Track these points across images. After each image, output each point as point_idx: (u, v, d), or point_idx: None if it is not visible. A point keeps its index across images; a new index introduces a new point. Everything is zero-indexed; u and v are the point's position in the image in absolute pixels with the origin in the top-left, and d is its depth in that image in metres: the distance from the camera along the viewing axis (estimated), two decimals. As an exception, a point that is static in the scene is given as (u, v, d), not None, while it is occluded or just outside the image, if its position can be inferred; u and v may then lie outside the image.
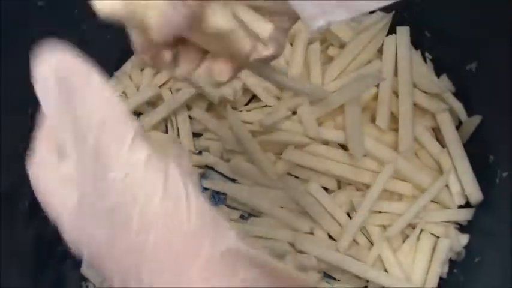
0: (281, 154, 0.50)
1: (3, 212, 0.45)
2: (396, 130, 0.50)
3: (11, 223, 0.46)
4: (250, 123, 0.51)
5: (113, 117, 0.22)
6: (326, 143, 0.50)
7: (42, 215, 0.49)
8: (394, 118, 0.50)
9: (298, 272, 0.24)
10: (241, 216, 0.52)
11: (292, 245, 0.49)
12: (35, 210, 0.48)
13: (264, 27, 0.26)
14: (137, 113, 0.54)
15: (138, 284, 0.21)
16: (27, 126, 0.46)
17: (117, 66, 0.56)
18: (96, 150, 0.22)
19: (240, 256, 0.21)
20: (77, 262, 0.52)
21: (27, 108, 0.43)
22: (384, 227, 0.50)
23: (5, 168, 0.45)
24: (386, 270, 0.48)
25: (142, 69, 0.55)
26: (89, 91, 0.22)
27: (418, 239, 0.49)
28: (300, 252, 0.48)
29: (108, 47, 0.51)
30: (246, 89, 0.53)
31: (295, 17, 0.26)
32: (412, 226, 0.50)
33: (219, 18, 0.24)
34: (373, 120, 0.50)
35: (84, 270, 0.52)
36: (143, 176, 0.21)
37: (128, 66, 0.55)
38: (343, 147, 0.50)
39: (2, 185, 0.45)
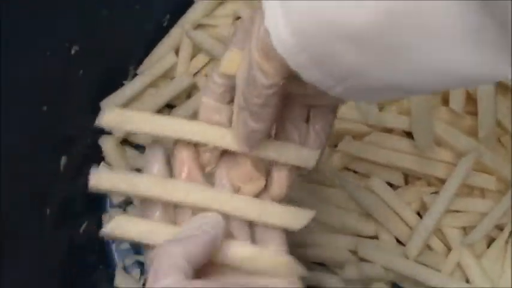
0: (336, 146, 0.45)
1: (29, 216, 0.42)
2: (474, 113, 0.44)
3: (37, 229, 0.42)
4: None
5: None
6: (389, 131, 0.45)
7: (72, 220, 0.47)
8: (470, 99, 0.45)
9: None
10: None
11: (353, 252, 0.43)
12: (64, 216, 0.45)
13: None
14: (170, 106, 0.49)
15: None
16: (55, 129, 0.44)
17: (148, 50, 0.50)
18: None
19: None
20: (110, 273, 0.47)
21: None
22: (464, 228, 0.44)
23: (31, 170, 0.42)
24: (467, 281, 0.42)
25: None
26: None
27: (507, 242, 0.43)
28: (363, 260, 0.43)
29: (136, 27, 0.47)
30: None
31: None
32: (499, 227, 0.43)
33: None
34: (445, 102, 0.45)
35: (118, 282, 0.47)
36: None
37: (160, 49, 0.50)
38: (411, 135, 0.45)
39: (28, 188, 0.41)
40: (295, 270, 0.29)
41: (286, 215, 0.30)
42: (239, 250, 0.28)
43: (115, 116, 0.28)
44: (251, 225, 0.30)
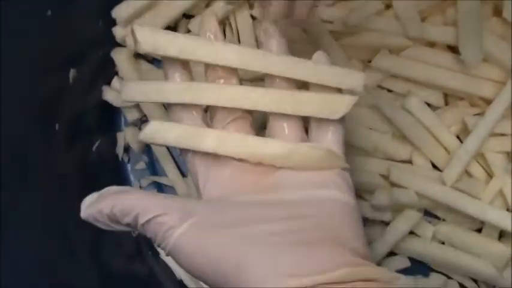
0: (370, 61, 0.42)
1: (37, 132, 0.39)
2: (530, 25, 0.40)
3: (47, 146, 0.40)
4: (331, 22, 0.42)
5: None
6: (432, 44, 0.42)
7: (84, 138, 0.44)
8: (526, 9, 0.40)
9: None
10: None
11: (385, 176, 0.41)
12: (75, 133, 0.42)
13: None
14: (187, 16, 0.45)
15: None
16: (62, 38, 0.41)
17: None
18: None
19: None
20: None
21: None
22: (508, 154, 0.40)
23: (37, 82, 0.38)
24: (509, 210, 0.39)
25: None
26: None
27: (555, 170, 0.40)
28: (395, 185, 0.40)
29: None
30: (325, -22, 0.43)
31: None
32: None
33: None
34: (496, 12, 0.41)
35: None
36: None
37: None
38: (455, 49, 0.41)
39: (34, 101, 0.39)
40: (334, 161, 0.28)
41: (324, 103, 0.28)
42: (271, 147, 0.28)
43: (148, 37, 0.27)
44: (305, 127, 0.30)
